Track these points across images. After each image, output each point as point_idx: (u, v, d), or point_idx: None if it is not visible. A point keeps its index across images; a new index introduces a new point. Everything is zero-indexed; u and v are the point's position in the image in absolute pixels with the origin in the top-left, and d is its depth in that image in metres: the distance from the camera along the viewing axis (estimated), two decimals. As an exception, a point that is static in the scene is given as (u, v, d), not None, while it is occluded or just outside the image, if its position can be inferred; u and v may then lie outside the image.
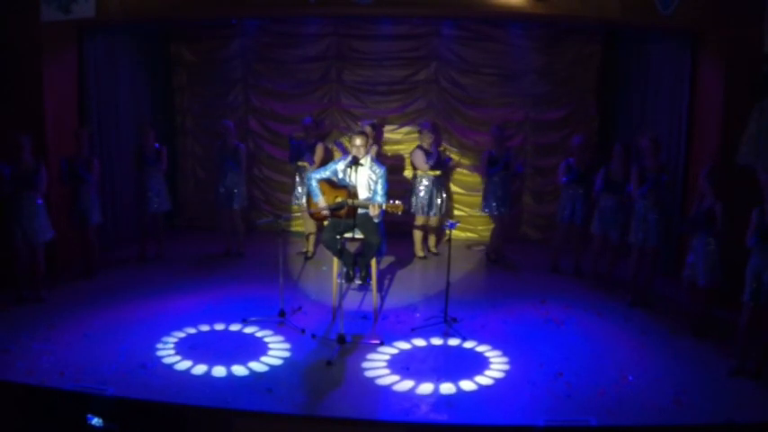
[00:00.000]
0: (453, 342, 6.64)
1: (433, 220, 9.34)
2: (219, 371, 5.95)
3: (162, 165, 8.78)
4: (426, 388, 5.73)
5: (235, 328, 6.89)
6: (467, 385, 5.79)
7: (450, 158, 9.72)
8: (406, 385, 5.78)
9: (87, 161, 7.95)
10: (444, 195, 9.25)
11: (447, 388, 5.73)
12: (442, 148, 9.67)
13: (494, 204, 8.97)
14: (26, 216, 7.18)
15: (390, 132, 10.25)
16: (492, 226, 9.55)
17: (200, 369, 5.99)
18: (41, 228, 7.28)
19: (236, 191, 8.99)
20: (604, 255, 8.14)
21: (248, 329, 6.85)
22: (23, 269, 7.36)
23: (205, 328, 6.87)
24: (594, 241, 8.15)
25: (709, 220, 6.47)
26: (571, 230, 8.57)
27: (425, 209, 9.05)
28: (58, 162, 7.94)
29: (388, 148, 10.20)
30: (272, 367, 6.07)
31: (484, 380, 5.90)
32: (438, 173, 9.09)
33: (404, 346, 6.54)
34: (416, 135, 9.57)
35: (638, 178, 7.32)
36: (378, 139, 9.75)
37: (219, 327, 6.90)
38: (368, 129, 8.84)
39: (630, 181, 7.52)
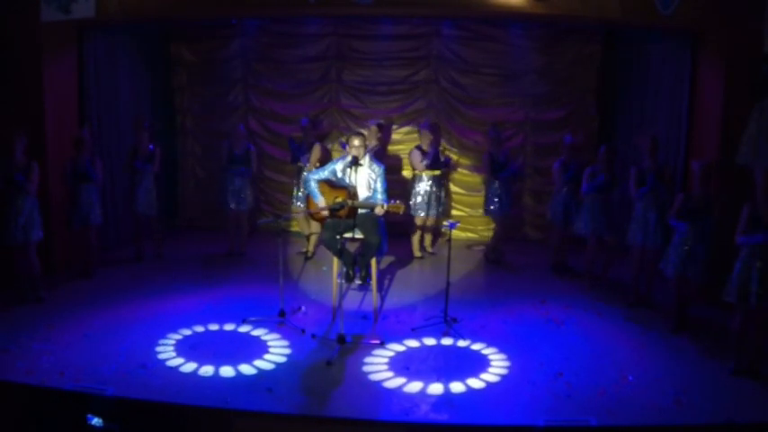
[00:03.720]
0: (453, 342, 6.64)
1: (431, 221, 9.33)
2: (219, 371, 5.95)
3: (153, 166, 8.76)
4: (426, 388, 5.73)
5: (235, 327, 6.89)
6: (467, 385, 5.79)
7: (449, 158, 9.73)
8: (405, 385, 5.78)
9: (92, 161, 7.96)
10: (443, 195, 9.24)
11: (447, 388, 5.73)
12: (441, 148, 9.66)
13: (496, 205, 8.96)
14: (21, 214, 7.17)
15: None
16: (493, 226, 9.56)
17: (200, 369, 5.99)
18: (33, 226, 7.28)
19: (243, 193, 8.99)
20: (599, 256, 8.13)
21: (248, 329, 6.85)
22: (20, 269, 7.35)
23: (205, 328, 6.87)
24: (589, 242, 8.13)
25: (700, 216, 6.48)
26: (566, 230, 8.58)
27: (425, 209, 9.04)
28: (64, 163, 7.94)
29: (388, 148, 10.20)
30: (272, 367, 6.07)
31: (484, 380, 5.90)
32: (437, 172, 9.08)
33: (404, 346, 6.54)
34: (416, 135, 9.57)
35: (637, 179, 7.31)
36: (385, 139, 9.75)
37: (219, 327, 6.90)
38: (373, 128, 8.85)
39: (622, 181, 7.55)
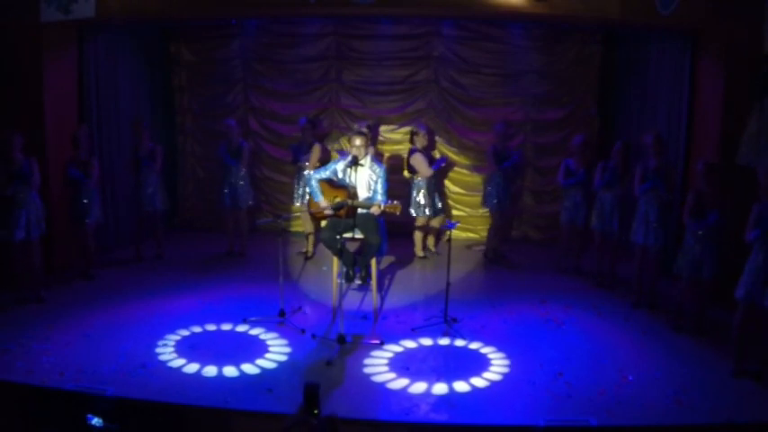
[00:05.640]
0: (453, 342, 6.64)
1: (435, 221, 9.33)
2: (219, 371, 5.96)
3: (156, 164, 8.77)
4: (426, 388, 5.73)
5: (235, 327, 6.89)
6: (467, 385, 5.79)
7: (445, 158, 9.74)
8: (406, 385, 5.78)
9: (85, 163, 7.96)
10: (437, 195, 9.22)
11: (447, 388, 5.74)
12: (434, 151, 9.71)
13: (495, 201, 8.97)
14: (25, 213, 7.18)
15: (390, 132, 10.26)
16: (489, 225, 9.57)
17: (200, 369, 5.99)
18: (36, 222, 7.28)
19: (240, 191, 9.00)
20: (606, 253, 8.13)
21: (248, 329, 6.85)
22: (21, 267, 7.35)
23: (205, 328, 6.87)
24: (595, 238, 8.14)
25: (709, 215, 6.48)
26: (574, 231, 8.57)
27: (424, 209, 9.04)
28: (64, 165, 7.95)
29: (388, 148, 10.20)
30: (272, 367, 6.08)
31: (484, 380, 5.90)
32: (431, 172, 9.08)
33: (404, 346, 6.54)
34: (412, 136, 9.53)
35: (641, 176, 7.31)
36: (373, 137, 9.74)
37: (219, 327, 6.90)
38: (364, 130, 8.85)
39: (629, 178, 7.55)
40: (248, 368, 6.03)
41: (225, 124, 9.15)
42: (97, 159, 8.24)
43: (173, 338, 6.59)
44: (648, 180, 7.21)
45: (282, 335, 6.70)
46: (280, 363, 6.16)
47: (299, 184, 9.04)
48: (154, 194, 8.81)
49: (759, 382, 5.85)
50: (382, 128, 10.19)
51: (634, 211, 7.49)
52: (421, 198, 9.03)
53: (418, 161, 9.01)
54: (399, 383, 5.82)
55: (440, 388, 5.74)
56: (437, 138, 10.08)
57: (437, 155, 9.86)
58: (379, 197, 6.83)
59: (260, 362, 6.15)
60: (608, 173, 7.85)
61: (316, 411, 4.30)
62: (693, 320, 6.87)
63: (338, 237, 6.54)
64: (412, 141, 9.12)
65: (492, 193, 9.00)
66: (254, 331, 6.81)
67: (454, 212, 10.29)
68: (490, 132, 9.50)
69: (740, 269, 5.96)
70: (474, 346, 6.56)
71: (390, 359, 6.27)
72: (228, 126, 9.05)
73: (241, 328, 6.87)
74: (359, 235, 6.95)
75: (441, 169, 9.46)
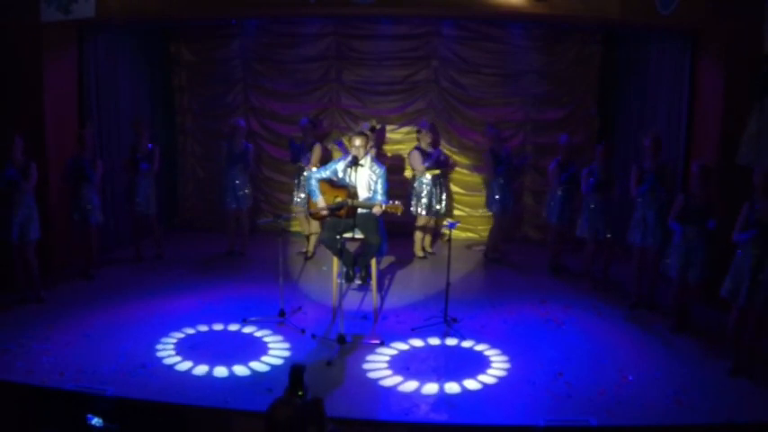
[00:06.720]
0: (453, 342, 6.64)
1: (434, 221, 9.33)
2: (219, 371, 5.96)
3: (153, 166, 8.75)
4: (426, 388, 5.74)
5: (235, 327, 6.90)
6: (467, 385, 5.79)
7: (448, 157, 9.74)
8: (406, 385, 5.79)
9: (92, 162, 7.97)
10: (444, 195, 9.24)
11: (447, 388, 5.74)
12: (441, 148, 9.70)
13: (498, 204, 8.97)
14: (19, 214, 7.18)
15: (390, 132, 10.25)
16: (491, 225, 9.56)
17: (200, 369, 6.00)
18: (32, 226, 7.28)
19: (243, 192, 9.00)
20: (599, 256, 8.12)
21: (248, 329, 6.86)
22: (20, 268, 7.35)
23: (205, 328, 6.88)
24: (588, 242, 8.12)
25: (700, 217, 6.48)
26: (562, 230, 8.56)
27: (426, 209, 9.04)
28: (64, 162, 7.95)
29: (388, 148, 10.20)
30: (273, 367, 6.08)
31: (484, 380, 5.90)
32: (437, 172, 9.08)
33: (404, 346, 6.55)
34: (416, 135, 9.56)
35: (637, 178, 7.31)
36: (378, 140, 9.74)
37: (219, 327, 6.91)
38: (367, 132, 8.86)
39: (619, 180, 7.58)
40: (248, 368, 6.03)
41: (232, 124, 9.12)
42: (101, 160, 8.24)
43: (173, 338, 6.59)
44: (646, 181, 7.21)
45: (282, 335, 6.70)
46: (280, 363, 6.15)
47: (299, 184, 9.03)
48: (148, 197, 8.76)
49: (754, 381, 5.85)
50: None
51: (625, 213, 7.48)
52: (422, 197, 9.03)
53: (414, 158, 9.03)
54: (399, 383, 5.82)
55: (440, 388, 5.74)
56: (437, 138, 10.09)
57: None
58: (380, 197, 6.83)
59: (260, 362, 6.15)
60: (593, 176, 7.85)
61: (300, 393, 4.30)
62: (681, 320, 6.88)
63: (338, 237, 6.54)
64: (418, 140, 9.15)
65: (494, 196, 8.99)
66: (254, 331, 6.80)
67: (454, 212, 10.27)
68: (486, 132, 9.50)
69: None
70: (474, 346, 6.56)
71: (390, 359, 6.27)
72: (237, 126, 9.03)
73: (241, 329, 6.87)
74: (359, 235, 6.95)
75: (442, 169, 9.42)
